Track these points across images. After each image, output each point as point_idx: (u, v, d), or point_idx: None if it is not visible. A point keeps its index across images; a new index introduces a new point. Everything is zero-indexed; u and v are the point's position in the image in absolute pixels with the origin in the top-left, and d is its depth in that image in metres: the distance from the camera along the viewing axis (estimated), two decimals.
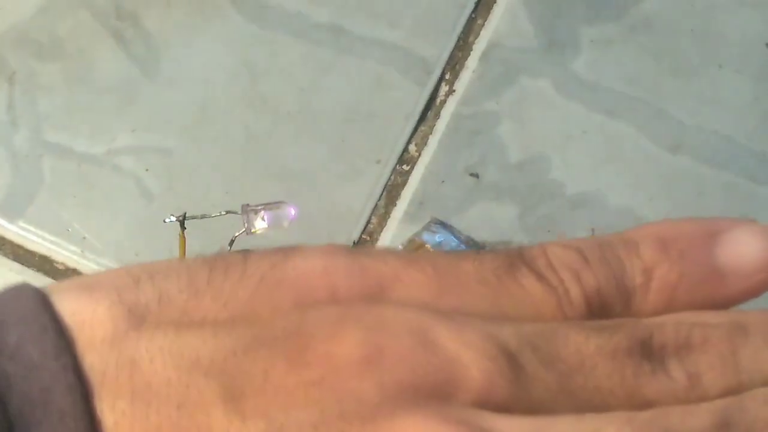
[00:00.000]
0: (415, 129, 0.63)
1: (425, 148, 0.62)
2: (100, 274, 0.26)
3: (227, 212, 0.49)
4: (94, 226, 0.62)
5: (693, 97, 0.63)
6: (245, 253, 0.25)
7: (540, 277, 0.26)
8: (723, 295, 0.28)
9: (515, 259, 0.27)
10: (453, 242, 0.59)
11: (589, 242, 0.27)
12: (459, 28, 0.64)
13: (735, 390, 0.25)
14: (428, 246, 0.58)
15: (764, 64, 0.63)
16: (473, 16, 0.65)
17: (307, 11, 0.65)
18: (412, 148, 0.62)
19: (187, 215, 0.49)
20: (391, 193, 0.62)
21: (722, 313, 0.27)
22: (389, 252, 0.26)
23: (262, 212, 0.48)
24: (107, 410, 0.22)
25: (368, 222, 0.62)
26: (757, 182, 0.61)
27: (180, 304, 0.24)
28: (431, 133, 0.63)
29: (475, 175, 0.62)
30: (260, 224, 0.47)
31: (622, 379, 0.25)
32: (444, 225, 0.60)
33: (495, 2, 0.64)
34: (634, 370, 0.25)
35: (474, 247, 0.60)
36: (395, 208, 0.62)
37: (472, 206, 0.62)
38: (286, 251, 0.26)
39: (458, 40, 0.64)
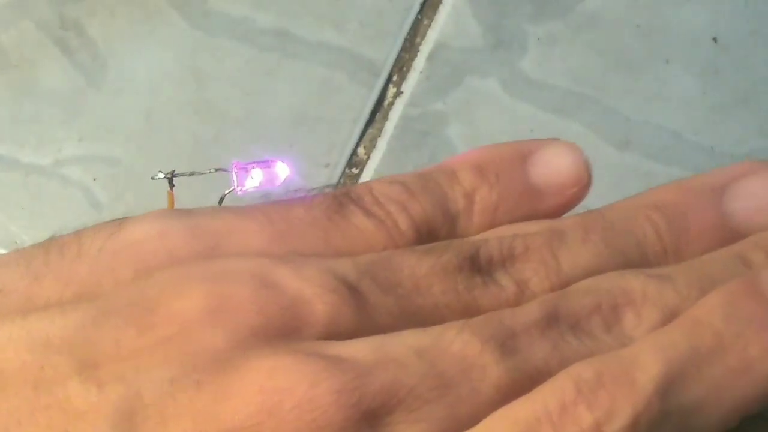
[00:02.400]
0: (364, 132, 0.63)
1: (374, 150, 0.62)
2: None
3: (217, 170, 0.49)
4: (43, 238, 0.61)
5: (640, 93, 0.63)
6: (79, 231, 0.26)
7: (368, 212, 0.27)
8: (541, 211, 0.29)
9: (343, 198, 0.27)
10: None
11: (410, 175, 0.28)
12: (405, 30, 0.64)
13: (560, 289, 0.27)
14: None
15: (711, 58, 0.63)
16: (419, 17, 0.65)
17: (252, 16, 0.64)
18: (360, 151, 0.62)
19: (175, 172, 0.49)
20: None
21: (539, 222, 0.28)
22: (222, 208, 0.27)
23: (253, 170, 0.47)
24: None
25: None
26: None
27: (22, 291, 0.25)
28: (380, 136, 0.63)
29: None
30: (251, 182, 0.46)
31: (456, 294, 0.26)
32: None
33: (441, 3, 0.64)
34: (466, 284, 0.26)
35: None
36: None
37: None
38: (120, 221, 0.26)
39: (405, 42, 0.64)
